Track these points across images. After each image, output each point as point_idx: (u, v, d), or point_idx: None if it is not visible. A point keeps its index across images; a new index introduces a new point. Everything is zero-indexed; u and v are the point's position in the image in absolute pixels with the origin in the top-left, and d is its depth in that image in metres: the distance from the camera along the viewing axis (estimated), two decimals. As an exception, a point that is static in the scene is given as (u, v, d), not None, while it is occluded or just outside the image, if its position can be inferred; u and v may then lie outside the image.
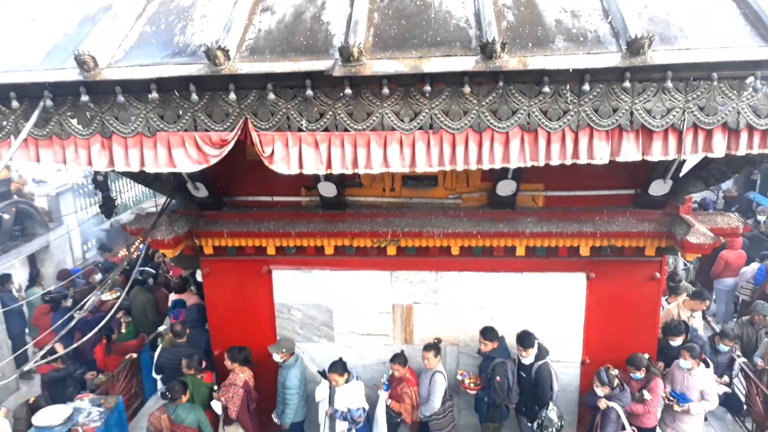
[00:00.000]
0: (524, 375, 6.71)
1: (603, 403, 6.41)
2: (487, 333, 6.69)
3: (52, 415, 6.91)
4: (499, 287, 6.92)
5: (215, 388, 6.77)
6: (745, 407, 8.20)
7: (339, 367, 6.63)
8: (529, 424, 6.74)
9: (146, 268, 10.46)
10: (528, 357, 6.59)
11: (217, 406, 6.80)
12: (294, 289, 7.16)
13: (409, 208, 6.70)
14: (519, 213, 6.47)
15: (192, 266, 8.07)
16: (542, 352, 6.65)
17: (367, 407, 6.73)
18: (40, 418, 6.85)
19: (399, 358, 6.75)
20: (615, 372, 6.44)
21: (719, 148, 4.23)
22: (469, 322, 7.01)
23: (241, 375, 6.91)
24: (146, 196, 16.99)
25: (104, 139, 4.51)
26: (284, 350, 6.81)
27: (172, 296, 9.40)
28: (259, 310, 7.26)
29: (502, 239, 6.46)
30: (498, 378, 6.60)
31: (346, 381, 6.62)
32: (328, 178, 6.09)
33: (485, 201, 6.59)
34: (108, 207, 8.32)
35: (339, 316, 7.22)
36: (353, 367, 7.15)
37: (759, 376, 7.89)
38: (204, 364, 7.20)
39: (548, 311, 6.93)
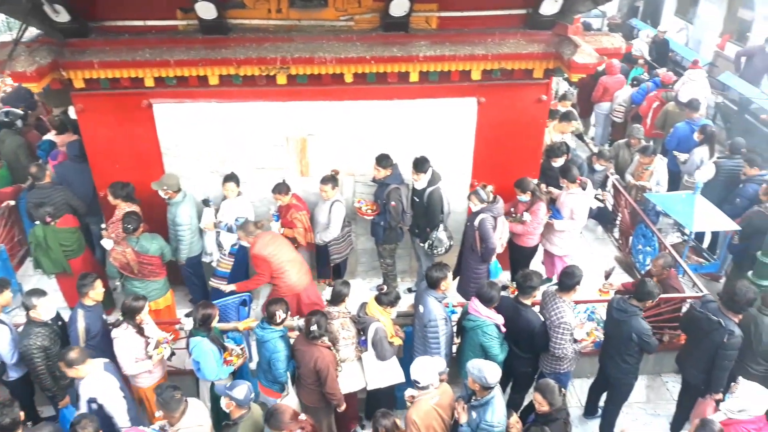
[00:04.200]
0: (417, 200, 6.95)
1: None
2: (382, 160, 6.77)
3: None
4: (392, 116, 6.88)
5: (103, 226, 6.51)
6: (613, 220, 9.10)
7: (232, 177, 6.78)
8: (422, 244, 7.12)
9: (12, 109, 9.47)
10: (420, 181, 6.79)
11: (107, 243, 6.56)
12: (179, 123, 6.76)
13: (298, 32, 6.32)
14: (412, 36, 6.30)
15: (64, 103, 7.39)
16: (435, 178, 6.85)
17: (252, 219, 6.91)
18: None
19: (279, 187, 6.79)
20: (490, 188, 6.72)
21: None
22: (364, 151, 7.01)
23: (128, 210, 6.65)
24: None
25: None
26: (166, 187, 6.60)
27: (50, 136, 8.68)
28: (143, 148, 6.86)
29: (396, 64, 6.30)
30: (393, 203, 6.82)
31: (237, 195, 6.72)
32: (207, -5, 5.56)
33: (378, 23, 6.31)
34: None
35: (231, 151, 6.99)
36: (252, 201, 7.14)
37: (628, 190, 8.67)
38: (49, 219, 6.64)
39: (440, 137, 7.04)
